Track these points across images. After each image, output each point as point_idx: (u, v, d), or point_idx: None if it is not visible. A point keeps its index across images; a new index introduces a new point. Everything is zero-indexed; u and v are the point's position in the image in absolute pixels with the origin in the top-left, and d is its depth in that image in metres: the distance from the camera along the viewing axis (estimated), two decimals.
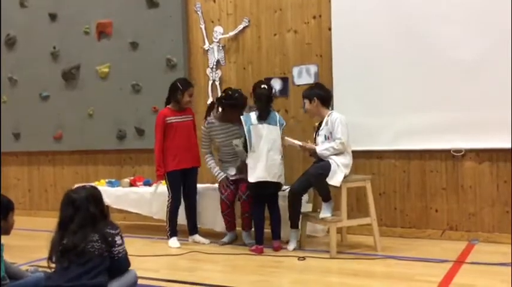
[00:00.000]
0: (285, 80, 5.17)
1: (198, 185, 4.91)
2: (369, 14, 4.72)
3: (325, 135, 4.27)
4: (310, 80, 5.04)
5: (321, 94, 4.37)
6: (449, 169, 4.56)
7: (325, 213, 4.20)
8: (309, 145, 4.35)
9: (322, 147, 4.24)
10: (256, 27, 5.29)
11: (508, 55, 4.19)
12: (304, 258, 4.05)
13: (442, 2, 4.44)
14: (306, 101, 4.40)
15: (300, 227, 4.42)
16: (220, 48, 5.48)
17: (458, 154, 4.49)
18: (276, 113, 4.50)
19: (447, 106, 4.43)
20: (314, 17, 5.02)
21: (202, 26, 5.55)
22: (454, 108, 4.40)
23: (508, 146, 4.23)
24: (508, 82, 4.19)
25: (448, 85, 4.42)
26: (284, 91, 5.17)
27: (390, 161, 4.77)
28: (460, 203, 4.52)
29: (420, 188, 4.67)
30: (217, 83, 5.49)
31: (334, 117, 4.24)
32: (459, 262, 3.80)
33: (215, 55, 5.49)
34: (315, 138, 4.41)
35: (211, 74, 5.53)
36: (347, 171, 4.20)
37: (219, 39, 5.48)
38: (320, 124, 4.38)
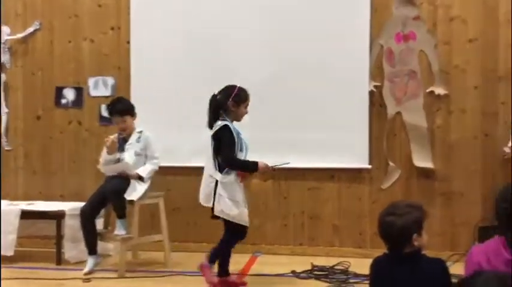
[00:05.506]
0: (79, 90, 4.92)
1: None
2: (165, 30, 4.78)
3: (135, 152, 4.18)
4: (107, 92, 4.88)
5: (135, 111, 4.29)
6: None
7: (120, 230, 4.06)
8: (135, 172, 4.10)
9: (146, 172, 4.15)
10: (49, 32, 4.94)
11: (291, 81, 4.61)
12: (89, 280, 3.86)
13: (238, 27, 4.67)
14: (127, 117, 4.21)
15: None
16: (6, 50, 4.96)
17: None
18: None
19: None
20: (112, 28, 4.88)
21: None
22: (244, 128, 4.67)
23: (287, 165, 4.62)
24: (286, 108, 4.61)
25: None
26: (78, 102, 4.91)
27: (185, 177, 4.85)
28: (249, 217, 4.80)
29: None
30: (0, 87, 4.95)
31: (149, 136, 4.23)
32: (242, 274, 4.03)
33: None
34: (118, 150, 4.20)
35: None
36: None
37: (6, 40, 4.96)
38: (121, 137, 4.24)
